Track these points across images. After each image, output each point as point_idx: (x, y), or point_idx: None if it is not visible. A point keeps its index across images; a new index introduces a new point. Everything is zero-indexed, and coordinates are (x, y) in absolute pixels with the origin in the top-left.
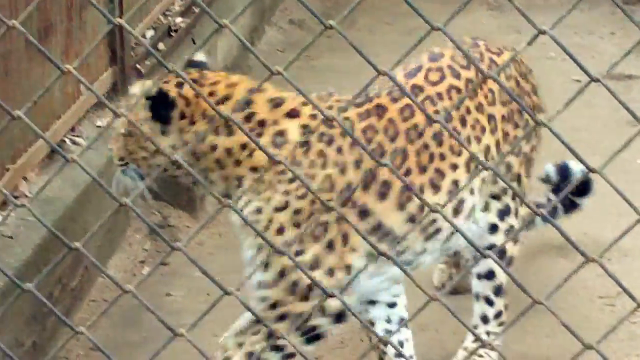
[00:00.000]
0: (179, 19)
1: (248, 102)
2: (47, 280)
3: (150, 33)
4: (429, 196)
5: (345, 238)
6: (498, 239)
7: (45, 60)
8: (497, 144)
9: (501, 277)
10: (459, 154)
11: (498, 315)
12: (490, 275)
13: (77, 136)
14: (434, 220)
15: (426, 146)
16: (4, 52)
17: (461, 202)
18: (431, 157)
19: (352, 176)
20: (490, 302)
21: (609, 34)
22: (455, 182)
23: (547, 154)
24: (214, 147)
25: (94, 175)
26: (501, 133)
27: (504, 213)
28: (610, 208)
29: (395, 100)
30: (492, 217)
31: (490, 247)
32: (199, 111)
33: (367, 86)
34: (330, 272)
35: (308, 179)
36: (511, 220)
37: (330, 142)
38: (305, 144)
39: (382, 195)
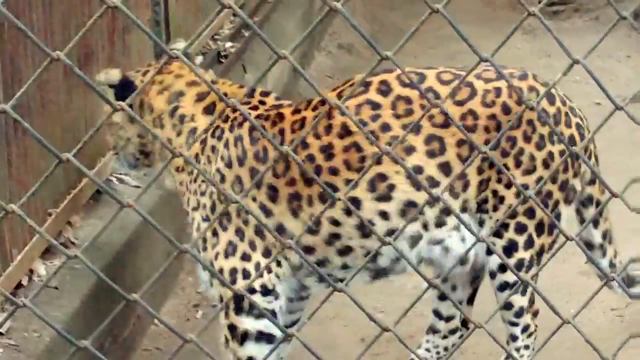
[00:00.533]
0: (228, 44)
1: (179, 95)
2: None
3: (199, 59)
4: (320, 207)
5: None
6: (508, 276)
7: (88, 91)
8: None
9: (519, 302)
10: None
11: (525, 329)
12: (508, 306)
13: (124, 174)
14: (337, 235)
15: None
16: (39, 83)
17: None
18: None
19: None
20: (514, 324)
21: (625, 57)
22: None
23: None
24: (151, 141)
25: (152, 220)
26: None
27: (509, 250)
28: (628, 227)
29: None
30: (497, 258)
31: (504, 285)
32: (148, 101)
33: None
34: (246, 257)
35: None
36: (519, 254)
37: (220, 137)
38: (203, 141)
39: (273, 199)
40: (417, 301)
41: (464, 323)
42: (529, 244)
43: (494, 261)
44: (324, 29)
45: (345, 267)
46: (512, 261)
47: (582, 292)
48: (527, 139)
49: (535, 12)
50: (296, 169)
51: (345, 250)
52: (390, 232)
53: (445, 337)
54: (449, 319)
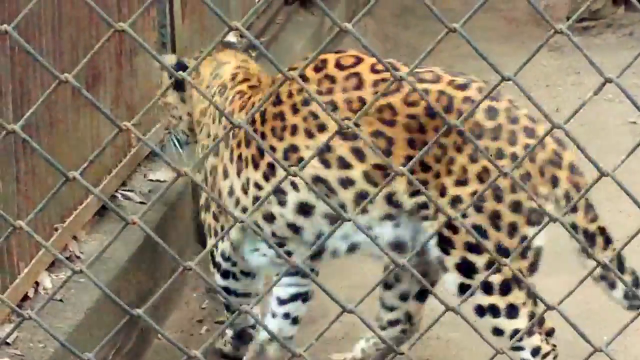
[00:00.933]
0: None
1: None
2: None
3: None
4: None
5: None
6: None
7: (95, 111)
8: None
9: (509, 326)
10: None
11: (536, 352)
12: (499, 332)
13: (129, 190)
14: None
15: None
16: (48, 103)
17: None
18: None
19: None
20: (518, 348)
21: None
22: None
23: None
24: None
25: (156, 237)
26: None
27: (468, 270)
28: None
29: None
30: (458, 277)
31: (478, 309)
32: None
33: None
34: (244, 189)
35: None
36: (480, 276)
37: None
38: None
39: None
40: (434, 324)
41: (409, 318)
42: (490, 265)
43: (451, 281)
44: (334, 47)
45: (274, 235)
46: (473, 283)
47: (617, 319)
48: (458, 149)
49: (563, 29)
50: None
51: (268, 217)
52: (303, 205)
53: (384, 328)
54: (391, 309)
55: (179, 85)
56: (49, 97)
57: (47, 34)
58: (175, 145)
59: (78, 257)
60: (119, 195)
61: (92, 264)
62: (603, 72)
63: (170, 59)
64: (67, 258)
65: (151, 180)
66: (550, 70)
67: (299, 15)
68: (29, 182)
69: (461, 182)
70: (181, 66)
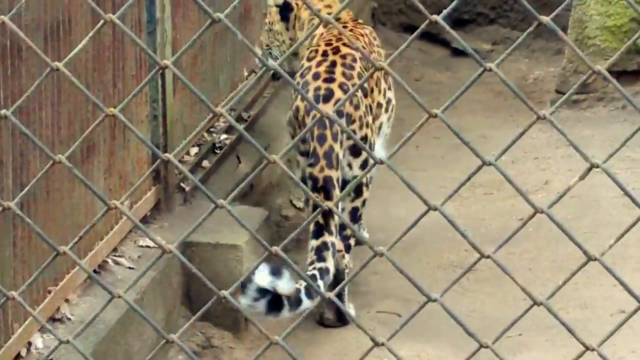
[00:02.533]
0: (223, 136)
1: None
2: None
3: (194, 150)
4: None
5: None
6: None
7: (89, 179)
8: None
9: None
10: None
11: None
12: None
13: (120, 256)
14: None
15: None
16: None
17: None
18: None
19: None
20: None
21: None
22: None
23: None
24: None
25: (140, 310)
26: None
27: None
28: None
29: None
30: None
31: None
32: (298, 15)
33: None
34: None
35: None
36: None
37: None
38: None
39: None
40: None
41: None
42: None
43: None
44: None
45: None
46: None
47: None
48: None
49: (546, 115)
50: None
51: None
52: None
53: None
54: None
55: (284, 17)
56: (44, 175)
57: (47, 107)
58: (270, 60)
59: (69, 319)
60: (110, 261)
61: (79, 334)
62: (588, 156)
63: (279, 0)
64: (59, 320)
65: (141, 246)
66: (539, 142)
67: (286, 90)
68: (25, 247)
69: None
70: (286, 4)
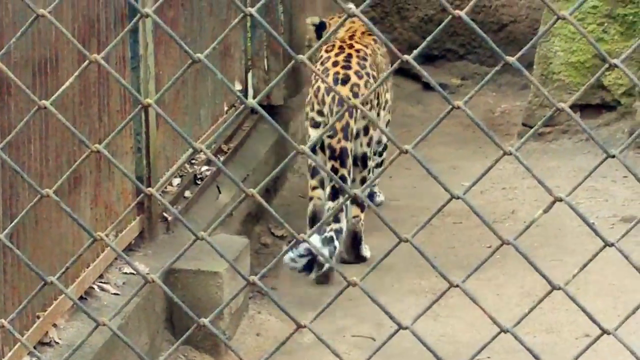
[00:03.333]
0: (204, 167)
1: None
2: None
3: (177, 181)
4: None
5: None
6: None
7: (76, 210)
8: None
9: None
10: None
11: None
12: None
13: (105, 283)
14: None
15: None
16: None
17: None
18: None
19: None
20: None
21: (621, 177)
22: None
23: None
24: None
25: (124, 337)
26: None
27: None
28: None
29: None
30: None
31: None
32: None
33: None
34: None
35: None
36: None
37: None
38: None
39: None
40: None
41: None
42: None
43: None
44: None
45: None
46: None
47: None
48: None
49: (512, 151)
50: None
51: None
52: None
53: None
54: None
55: (319, 35)
56: (32, 208)
57: (35, 141)
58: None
59: (57, 343)
60: (96, 287)
61: (68, 348)
62: (552, 190)
63: (315, 20)
64: (47, 344)
65: (125, 273)
66: (506, 173)
67: (264, 123)
68: (14, 274)
69: None
70: (322, 24)
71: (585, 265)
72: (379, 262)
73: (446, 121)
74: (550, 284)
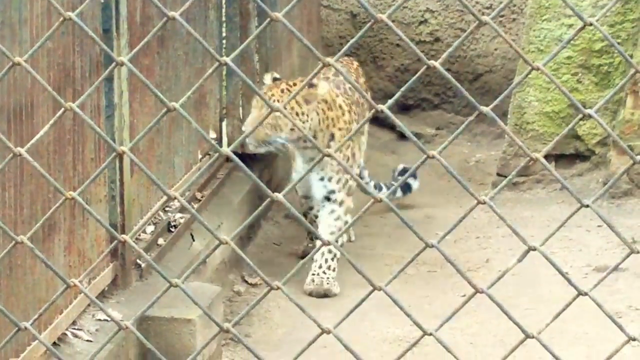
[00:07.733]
0: (178, 215)
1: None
2: None
3: (150, 228)
4: None
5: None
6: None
7: (50, 256)
8: None
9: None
10: None
11: None
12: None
13: (79, 329)
14: None
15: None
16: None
17: None
18: None
19: None
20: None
21: (596, 226)
22: None
23: None
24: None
25: None
26: None
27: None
28: None
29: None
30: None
31: None
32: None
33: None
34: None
35: None
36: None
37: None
38: None
39: None
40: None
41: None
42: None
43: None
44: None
45: None
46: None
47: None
48: None
49: (486, 200)
50: None
51: None
52: None
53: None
54: None
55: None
56: (6, 254)
57: (10, 189)
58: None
59: None
60: (69, 334)
61: None
62: (526, 239)
63: (268, 78)
64: None
65: (99, 319)
66: (480, 222)
67: (238, 171)
68: None
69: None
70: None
71: (558, 314)
72: (352, 311)
73: (421, 170)
74: (524, 333)
